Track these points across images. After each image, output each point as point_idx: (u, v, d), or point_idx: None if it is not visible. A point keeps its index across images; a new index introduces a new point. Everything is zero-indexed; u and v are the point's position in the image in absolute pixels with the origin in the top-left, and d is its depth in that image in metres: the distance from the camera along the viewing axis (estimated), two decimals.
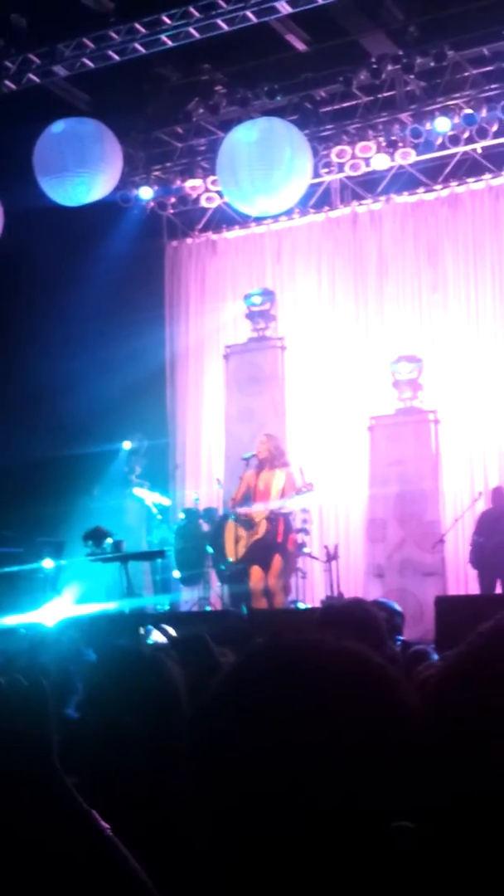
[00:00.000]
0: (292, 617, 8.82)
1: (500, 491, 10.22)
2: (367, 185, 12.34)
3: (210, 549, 10.62)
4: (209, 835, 1.15)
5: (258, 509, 10.02)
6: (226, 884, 1.13)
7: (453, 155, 11.68)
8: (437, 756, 1.00)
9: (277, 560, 9.99)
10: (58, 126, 10.56)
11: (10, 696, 1.54)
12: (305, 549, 10.63)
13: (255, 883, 1.09)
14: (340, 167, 11.82)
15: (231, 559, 10.12)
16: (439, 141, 11.42)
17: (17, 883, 1.61)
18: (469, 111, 11.05)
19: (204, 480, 12.31)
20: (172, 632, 2.42)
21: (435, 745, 1.00)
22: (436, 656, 4.28)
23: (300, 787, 1.06)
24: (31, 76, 11.04)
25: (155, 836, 1.89)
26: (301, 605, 10.17)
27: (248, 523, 10.01)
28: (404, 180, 12.10)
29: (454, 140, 11.35)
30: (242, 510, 10.13)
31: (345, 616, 3.05)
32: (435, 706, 1.03)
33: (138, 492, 11.67)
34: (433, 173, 12.03)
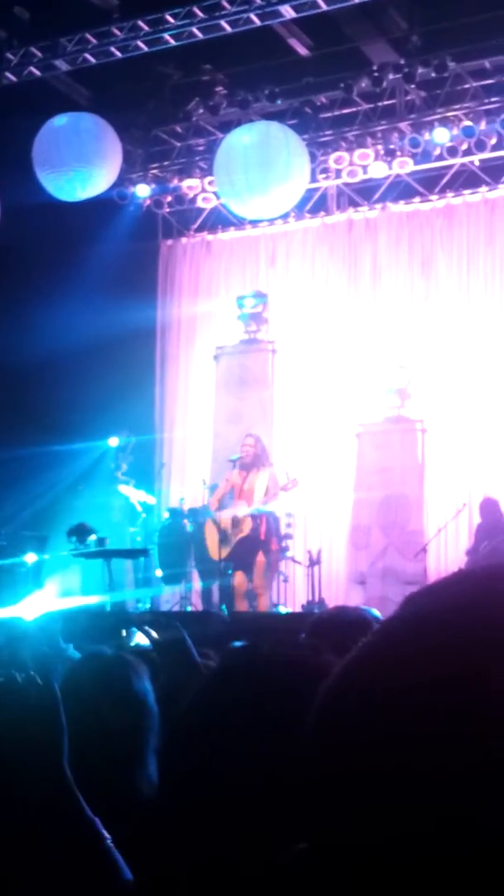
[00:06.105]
0: (272, 622, 8.83)
1: (489, 502, 10.22)
2: (364, 192, 12.37)
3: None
4: (171, 832, 1.17)
5: (243, 509, 10.04)
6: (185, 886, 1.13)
7: (451, 166, 11.72)
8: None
9: (261, 558, 10.01)
10: (59, 120, 10.56)
11: (27, 696, 1.52)
12: (288, 553, 10.65)
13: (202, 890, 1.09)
14: (338, 173, 11.85)
15: (215, 559, 10.14)
16: (437, 151, 11.45)
17: (15, 882, 1.60)
18: (468, 123, 11.09)
19: (190, 480, 12.31)
20: (155, 634, 2.45)
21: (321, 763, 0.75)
22: None
23: (243, 799, 1.06)
24: (33, 69, 11.03)
25: (127, 832, 1.90)
26: (282, 609, 10.19)
27: (230, 527, 10.02)
28: (401, 189, 12.13)
29: (452, 151, 11.38)
30: (225, 512, 10.13)
31: (334, 624, 3.04)
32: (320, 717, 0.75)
33: (123, 489, 11.67)
34: (430, 184, 12.06)
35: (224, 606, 9.76)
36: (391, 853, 0.63)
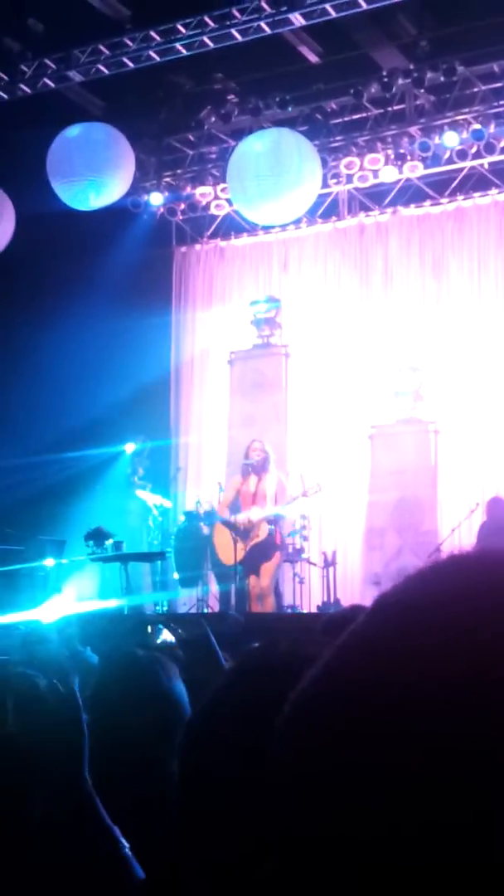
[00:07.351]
0: (288, 623, 8.92)
1: (497, 502, 10.21)
2: (375, 196, 12.46)
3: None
4: (190, 835, 1.14)
5: (257, 514, 10.08)
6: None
7: (460, 169, 11.79)
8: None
9: (271, 561, 10.02)
10: (72, 130, 10.69)
11: (48, 702, 1.53)
12: (303, 555, 10.72)
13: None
14: (349, 178, 11.94)
15: (227, 563, 10.18)
16: (447, 155, 11.52)
17: (33, 886, 1.61)
18: (477, 126, 11.16)
19: (205, 483, 12.40)
20: (181, 632, 2.49)
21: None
22: None
23: (258, 797, 1.00)
24: (47, 81, 11.15)
25: (153, 838, 1.94)
26: (297, 611, 10.26)
27: (245, 532, 10.02)
28: (411, 193, 12.21)
29: (462, 155, 11.46)
30: (239, 518, 10.14)
31: (347, 623, 3.09)
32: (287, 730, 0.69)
33: (140, 493, 11.77)
34: (440, 187, 12.13)
35: (238, 609, 9.82)
36: (365, 861, 0.60)
